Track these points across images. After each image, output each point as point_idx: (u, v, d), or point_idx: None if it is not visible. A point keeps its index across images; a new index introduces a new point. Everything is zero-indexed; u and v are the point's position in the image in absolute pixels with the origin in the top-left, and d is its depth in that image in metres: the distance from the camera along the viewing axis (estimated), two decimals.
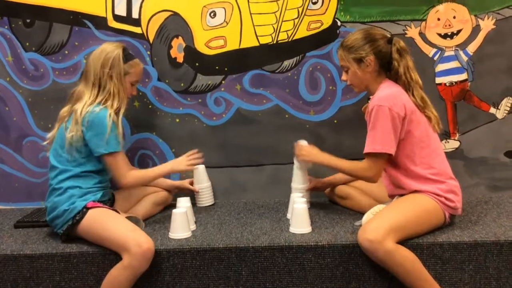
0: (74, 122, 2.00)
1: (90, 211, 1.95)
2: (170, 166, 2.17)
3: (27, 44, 2.44)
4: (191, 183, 2.42)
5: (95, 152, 2.02)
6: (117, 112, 2.07)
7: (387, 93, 1.98)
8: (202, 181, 2.42)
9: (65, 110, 2.10)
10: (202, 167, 2.40)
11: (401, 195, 2.03)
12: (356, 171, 2.04)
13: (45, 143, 2.17)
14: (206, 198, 2.44)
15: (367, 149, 1.97)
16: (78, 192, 2.00)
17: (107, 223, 1.92)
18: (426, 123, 2.02)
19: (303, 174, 2.27)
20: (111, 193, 2.19)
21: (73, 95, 2.11)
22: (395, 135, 1.95)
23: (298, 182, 2.27)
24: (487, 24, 2.43)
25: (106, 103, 2.05)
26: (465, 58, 2.46)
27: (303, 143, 2.24)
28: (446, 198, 1.96)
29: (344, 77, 2.10)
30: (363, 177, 2.04)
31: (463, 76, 2.47)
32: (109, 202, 2.14)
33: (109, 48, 2.09)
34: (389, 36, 2.07)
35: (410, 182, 1.99)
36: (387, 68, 2.04)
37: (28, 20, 2.43)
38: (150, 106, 2.49)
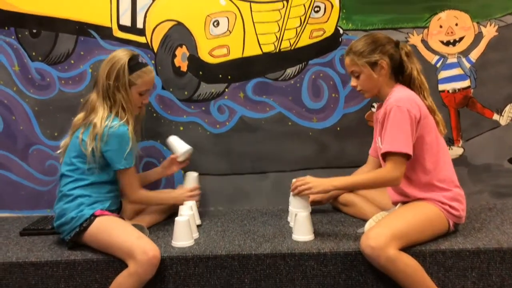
0: (93, 137, 2.01)
1: (97, 219, 1.96)
2: (173, 200, 2.26)
3: (34, 53, 2.48)
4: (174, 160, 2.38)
5: (114, 167, 2.05)
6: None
7: (403, 95, 1.96)
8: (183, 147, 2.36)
9: (79, 117, 2.11)
10: (195, 175, 2.37)
11: (405, 202, 2.03)
12: (380, 178, 1.94)
13: (58, 152, 2.18)
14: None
15: (388, 148, 1.89)
16: (87, 200, 2.01)
17: (113, 230, 1.93)
18: (436, 129, 2.01)
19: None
20: (119, 201, 2.20)
21: (86, 104, 2.11)
22: (412, 138, 1.91)
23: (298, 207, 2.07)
24: (489, 31, 2.44)
25: (122, 115, 2.05)
26: (467, 65, 2.46)
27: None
28: (450, 206, 1.95)
29: (354, 82, 2.07)
30: (389, 181, 1.94)
31: (466, 83, 2.48)
32: (117, 210, 2.16)
33: (117, 58, 2.08)
34: (394, 40, 2.07)
35: (415, 191, 1.99)
36: (397, 72, 2.04)
37: (34, 30, 2.46)
38: (154, 114, 2.51)
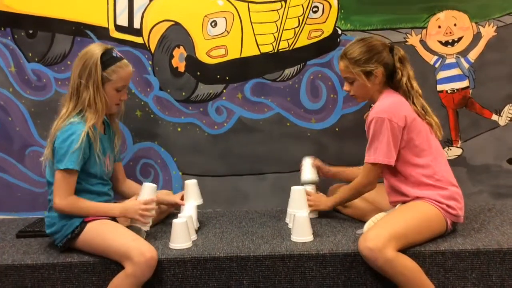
0: (49, 141, 1.96)
1: (89, 224, 1.94)
2: (119, 210, 1.98)
3: (30, 54, 2.46)
4: (181, 198, 2.23)
5: (54, 166, 1.92)
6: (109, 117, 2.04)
7: (387, 104, 2.00)
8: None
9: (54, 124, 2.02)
10: (152, 186, 2.06)
11: (403, 202, 2.02)
12: (357, 188, 2.11)
13: (41, 159, 2.07)
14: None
15: (369, 159, 2.01)
16: None
17: (107, 233, 1.91)
18: (428, 130, 2.03)
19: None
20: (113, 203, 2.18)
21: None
22: (395, 145, 1.97)
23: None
24: (488, 31, 2.43)
25: (83, 114, 1.95)
26: (466, 65, 2.46)
27: (308, 161, 2.32)
28: (447, 205, 1.95)
29: (347, 87, 2.10)
30: (363, 187, 2.09)
31: (465, 83, 2.47)
32: None
33: (89, 53, 1.96)
34: (388, 44, 2.08)
35: (411, 189, 1.99)
36: (389, 77, 2.06)
37: (30, 31, 2.45)
38: (152, 116, 2.49)
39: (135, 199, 2.03)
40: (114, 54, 2.01)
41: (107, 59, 1.98)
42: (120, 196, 2.23)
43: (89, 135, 1.94)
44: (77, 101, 1.97)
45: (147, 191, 2.04)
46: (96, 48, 1.99)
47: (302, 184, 2.29)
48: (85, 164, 1.96)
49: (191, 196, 2.21)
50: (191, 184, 2.22)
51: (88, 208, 1.96)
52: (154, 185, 2.06)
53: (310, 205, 2.20)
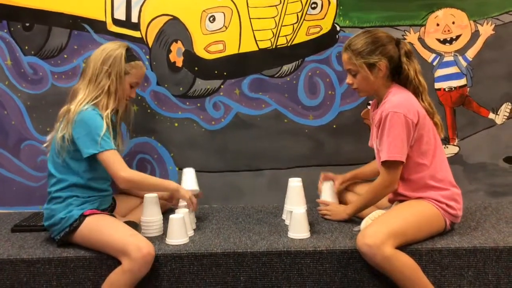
0: (66, 122, 1.96)
1: (87, 218, 1.93)
2: (177, 186, 2.09)
3: (26, 47, 2.44)
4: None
5: (84, 153, 1.93)
6: (115, 113, 2.04)
7: (400, 99, 1.95)
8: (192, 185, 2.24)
9: (62, 110, 2.04)
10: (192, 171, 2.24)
11: (401, 200, 2.02)
12: (377, 189, 2.01)
13: (44, 145, 2.12)
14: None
15: (385, 156, 1.93)
16: (76, 201, 1.97)
17: (105, 228, 1.90)
18: (434, 130, 2.00)
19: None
20: (112, 198, 2.17)
21: (71, 94, 2.06)
22: (408, 143, 1.93)
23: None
24: (486, 30, 2.44)
25: (99, 100, 1.98)
26: (464, 64, 2.46)
27: (328, 186, 2.27)
28: (447, 205, 1.95)
29: (349, 80, 2.04)
30: (386, 188, 1.99)
31: (462, 81, 2.47)
32: (109, 208, 2.13)
33: (112, 47, 2.04)
34: (395, 38, 2.03)
35: (412, 192, 1.98)
36: (395, 72, 2.01)
37: (27, 24, 2.43)
38: (149, 110, 2.48)
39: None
40: (134, 53, 2.14)
41: (130, 55, 2.08)
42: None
43: (106, 120, 1.96)
44: (94, 87, 2.00)
45: (190, 176, 2.22)
46: (118, 44, 2.08)
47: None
48: (92, 159, 1.96)
49: (189, 183, 2.21)
50: (188, 172, 2.23)
51: (150, 181, 2.08)
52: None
53: (327, 215, 2.18)
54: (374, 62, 1.95)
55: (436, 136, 2.00)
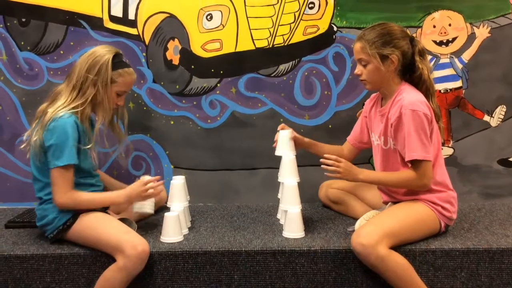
0: (40, 125, 1.89)
1: (81, 216, 1.92)
2: (124, 196, 1.95)
3: (22, 43, 2.43)
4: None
5: (51, 164, 1.87)
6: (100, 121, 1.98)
7: (417, 97, 1.91)
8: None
9: (40, 108, 1.97)
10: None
11: (395, 201, 2.03)
12: (410, 182, 1.92)
13: (22, 147, 2.01)
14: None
15: (415, 156, 1.87)
16: None
17: (99, 226, 1.89)
18: (438, 133, 1.98)
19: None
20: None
21: (52, 94, 2.00)
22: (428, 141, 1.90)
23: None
24: (482, 32, 2.45)
25: (83, 109, 1.91)
26: (460, 66, 2.47)
27: (284, 134, 2.11)
28: (442, 207, 1.95)
29: (358, 71, 1.98)
30: (419, 187, 1.93)
31: (458, 83, 2.49)
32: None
33: (100, 52, 1.96)
34: (409, 34, 1.99)
35: (407, 195, 1.98)
36: (406, 70, 1.97)
37: (23, 19, 2.42)
38: (144, 108, 2.48)
39: (138, 182, 1.99)
40: (123, 59, 2.05)
41: (117, 62, 1.99)
42: None
43: (79, 129, 1.92)
44: (79, 95, 1.94)
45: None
46: (107, 49, 1.99)
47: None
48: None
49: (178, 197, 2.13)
50: (177, 185, 2.13)
51: (92, 200, 1.94)
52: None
53: (336, 172, 1.92)
54: (387, 54, 1.92)
55: (439, 139, 1.99)
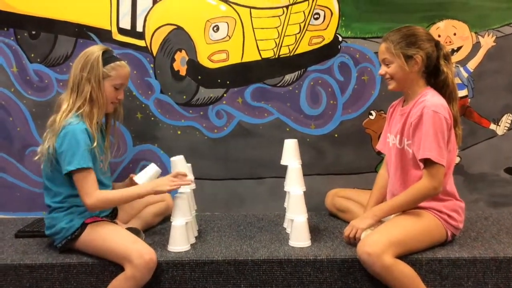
0: (52, 133, 1.94)
1: (89, 226, 1.95)
2: (150, 186, 1.98)
3: (32, 55, 2.47)
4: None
5: (64, 169, 1.90)
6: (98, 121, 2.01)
7: (440, 101, 1.91)
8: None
9: (50, 120, 2.01)
10: (181, 158, 2.13)
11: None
12: (419, 192, 1.90)
13: (36, 158, 2.04)
14: None
15: (429, 155, 1.85)
16: (77, 210, 1.97)
17: (107, 235, 1.92)
18: (455, 142, 1.97)
19: None
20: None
21: (57, 103, 2.04)
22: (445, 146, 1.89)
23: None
24: (487, 41, 2.46)
25: (84, 109, 1.95)
26: (465, 75, 2.48)
27: (290, 142, 2.14)
28: (449, 216, 1.95)
29: (382, 71, 1.99)
30: (430, 192, 1.90)
31: (464, 92, 2.49)
32: (111, 215, 2.13)
33: (90, 50, 2.00)
34: (435, 38, 2.00)
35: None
36: (430, 74, 1.98)
37: (33, 32, 2.46)
38: (152, 118, 2.51)
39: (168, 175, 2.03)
40: (114, 54, 2.07)
41: (108, 57, 2.02)
42: None
43: (90, 133, 1.95)
44: (77, 96, 1.98)
45: (178, 165, 2.09)
46: (96, 47, 2.04)
47: None
48: None
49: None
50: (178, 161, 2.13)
51: (120, 196, 1.98)
52: (182, 156, 2.12)
53: (352, 233, 1.96)
54: (411, 54, 1.92)
55: (455, 149, 1.98)
